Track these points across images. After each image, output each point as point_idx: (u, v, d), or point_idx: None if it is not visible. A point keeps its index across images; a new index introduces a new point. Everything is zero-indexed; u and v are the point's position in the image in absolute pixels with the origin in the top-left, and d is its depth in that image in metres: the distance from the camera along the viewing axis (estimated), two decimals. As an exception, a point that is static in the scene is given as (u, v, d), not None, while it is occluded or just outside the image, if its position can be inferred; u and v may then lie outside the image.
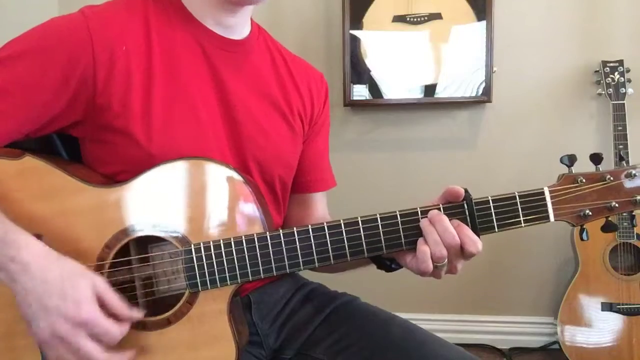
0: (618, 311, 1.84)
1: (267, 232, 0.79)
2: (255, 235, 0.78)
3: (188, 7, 0.88)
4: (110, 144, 0.82)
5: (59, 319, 0.69)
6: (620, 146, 1.85)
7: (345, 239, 0.78)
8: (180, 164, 0.80)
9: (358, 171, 2.17)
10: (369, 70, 2.05)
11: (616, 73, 1.92)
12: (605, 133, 2.01)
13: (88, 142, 0.85)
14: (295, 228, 0.78)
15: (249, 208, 0.81)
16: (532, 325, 2.17)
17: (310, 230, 0.78)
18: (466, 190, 0.77)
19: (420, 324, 0.94)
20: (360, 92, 2.05)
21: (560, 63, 2.05)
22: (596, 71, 1.98)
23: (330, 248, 0.78)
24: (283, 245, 0.78)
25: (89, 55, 0.78)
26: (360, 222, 0.78)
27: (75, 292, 0.70)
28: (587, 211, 0.77)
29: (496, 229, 0.77)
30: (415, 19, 2.00)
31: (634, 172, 0.76)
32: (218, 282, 0.78)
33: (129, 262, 0.80)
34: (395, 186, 2.17)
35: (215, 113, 0.87)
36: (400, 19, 2.01)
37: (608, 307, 1.85)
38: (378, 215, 0.78)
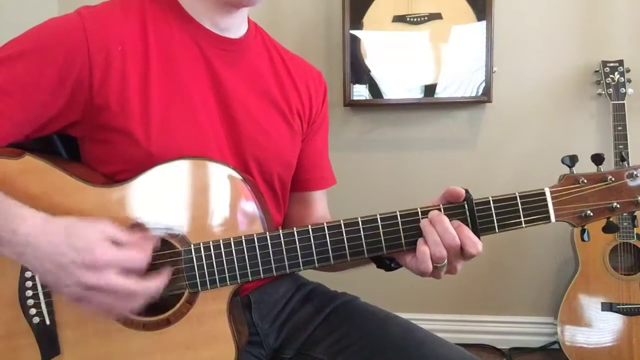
0: (618, 311, 1.84)
1: (267, 233, 0.79)
2: (255, 235, 0.78)
3: (185, 7, 0.88)
4: (109, 143, 0.82)
5: (80, 270, 0.69)
6: (620, 146, 1.85)
7: (345, 239, 0.78)
8: (179, 163, 0.80)
9: (358, 171, 2.17)
10: (369, 70, 2.04)
11: (616, 73, 1.92)
12: (605, 133, 2.01)
13: (87, 142, 0.85)
14: (295, 228, 0.78)
15: (249, 207, 0.81)
16: (532, 325, 2.17)
17: (310, 230, 0.78)
18: (467, 191, 0.77)
19: (420, 324, 0.94)
20: (360, 92, 2.05)
21: (560, 63, 2.05)
22: (596, 71, 1.98)
23: (330, 248, 0.78)
24: (283, 246, 0.78)
25: (85, 56, 0.78)
26: (360, 222, 0.78)
27: (84, 241, 0.70)
28: (589, 212, 0.76)
29: (497, 230, 0.77)
30: (415, 19, 2.00)
31: (635, 172, 0.76)
32: (218, 282, 0.78)
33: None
34: (395, 186, 2.17)
35: (214, 112, 0.87)
36: (400, 19, 2.01)
37: (608, 307, 1.85)
38: (378, 216, 0.78)
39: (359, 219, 0.78)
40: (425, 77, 2.02)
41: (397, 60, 2.03)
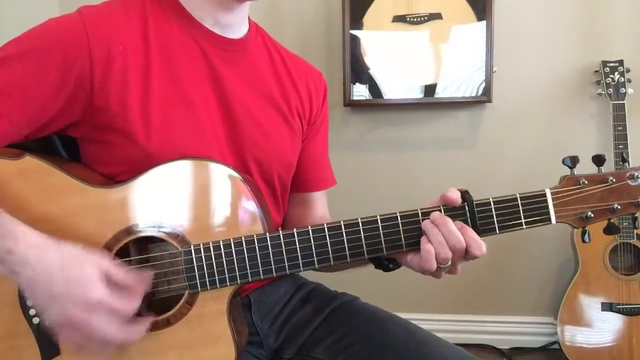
0: (618, 311, 1.84)
1: (267, 234, 0.79)
2: (255, 236, 0.78)
3: (186, 6, 0.88)
4: (109, 143, 0.82)
5: (68, 304, 0.69)
6: (620, 146, 1.84)
7: (345, 240, 0.78)
8: (179, 164, 0.79)
9: (358, 171, 2.17)
10: (369, 70, 2.04)
11: (616, 73, 1.92)
12: (605, 133, 2.01)
13: (87, 143, 0.85)
14: (295, 229, 0.78)
15: (249, 207, 0.80)
16: (532, 325, 2.17)
17: (310, 231, 0.78)
18: (467, 192, 0.77)
19: (420, 324, 0.94)
20: (360, 92, 2.05)
21: (560, 63, 2.05)
22: (596, 71, 1.98)
23: (330, 249, 0.78)
24: (283, 247, 0.78)
25: (86, 55, 0.78)
26: (360, 223, 0.78)
27: (79, 275, 0.70)
28: (589, 213, 0.76)
29: (497, 231, 0.77)
30: (415, 19, 2.00)
31: (636, 174, 0.76)
32: (217, 283, 0.78)
33: (129, 263, 0.79)
34: (395, 186, 2.17)
35: (214, 112, 0.87)
36: (400, 19, 2.01)
37: (608, 307, 1.85)
38: (378, 217, 0.78)
39: (359, 220, 0.78)
40: (425, 77, 2.02)
41: (397, 60, 2.03)
